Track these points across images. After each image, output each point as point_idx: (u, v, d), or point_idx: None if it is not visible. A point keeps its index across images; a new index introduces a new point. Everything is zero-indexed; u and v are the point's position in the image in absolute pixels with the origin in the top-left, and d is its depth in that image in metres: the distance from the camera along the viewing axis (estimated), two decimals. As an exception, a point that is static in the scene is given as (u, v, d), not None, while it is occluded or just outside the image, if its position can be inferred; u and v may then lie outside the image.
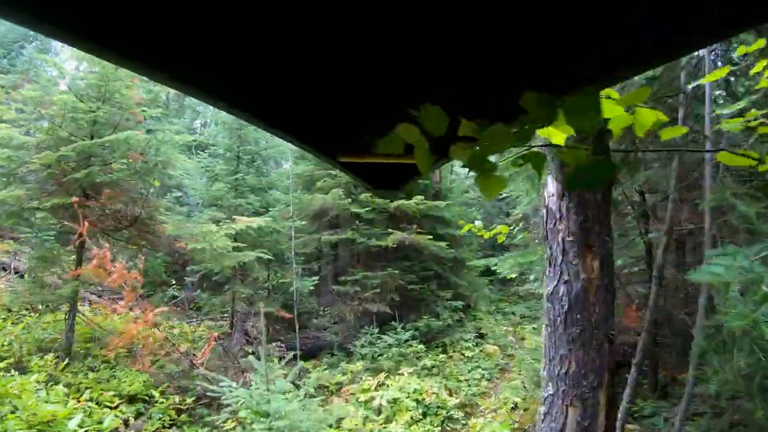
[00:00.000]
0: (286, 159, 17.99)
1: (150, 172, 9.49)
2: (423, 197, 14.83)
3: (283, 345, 13.48)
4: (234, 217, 11.73)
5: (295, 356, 12.59)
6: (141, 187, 9.68)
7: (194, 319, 15.59)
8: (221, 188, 14.54)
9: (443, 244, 14.93)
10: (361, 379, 11.17)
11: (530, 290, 24.04)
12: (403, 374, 11.77)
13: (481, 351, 14.81)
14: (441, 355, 13.88)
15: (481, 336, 16.46)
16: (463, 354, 14.12)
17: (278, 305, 13.98)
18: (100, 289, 16.86)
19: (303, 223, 14.81)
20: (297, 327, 12.14)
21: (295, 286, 12.70)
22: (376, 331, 12.96)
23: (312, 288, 14.83)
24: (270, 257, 13.57)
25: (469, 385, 12.26)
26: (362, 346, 12.43)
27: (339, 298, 15.17)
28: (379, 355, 12.00)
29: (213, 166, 14.93)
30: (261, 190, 15.90)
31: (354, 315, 14.30)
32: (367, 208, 14.46)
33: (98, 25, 0.54)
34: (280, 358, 12.21)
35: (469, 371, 13.27)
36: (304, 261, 17.69)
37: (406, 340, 13.11)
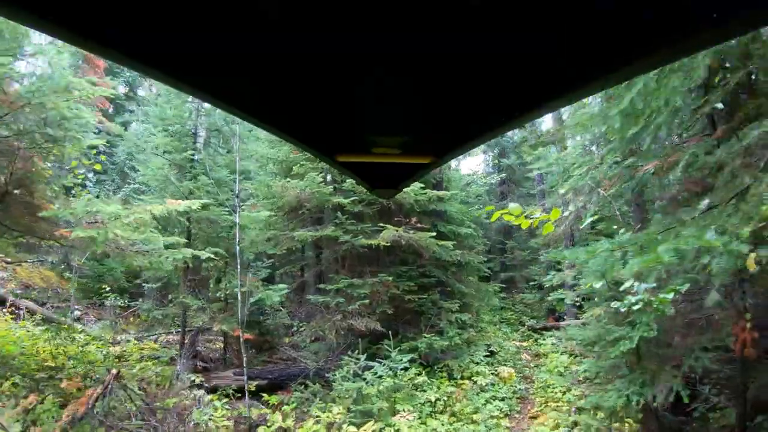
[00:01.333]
0: (259, 137, 14.88)
1: (28, 133, 6.38)
2: (423, 186, 11.97)
3: (242, 373, 10.54)
4: (166, 200, 8.58)
5: (258, 390, 9.73)
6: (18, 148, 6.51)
7: (155, 335, 12.81)
8: (164, 167, 11.56)
9: (449, 243, 11.99)
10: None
11: (528, 299, 22.10)
12: (400, 420, 8.80)
13: (494, 374, 11.96)
14: (447, 384, 11.00)
15: (491, 353, 13.67)
16: (474, 381, 11.24)
17: (236, 321, 11.02)
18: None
19: (270, 214, 11.75)
20: (243, 351, 9.14)
21: (239, 295, 9.66)
22: (363, 357, 9.70)
23: (281, 299, 11.82)
24: (224, 257, 10.61)
25: (487, 428, 9.31)
26: (344, 377, 9.31)
27: (319, 312, 12.21)
28: (366, 393, 8.86)
29: (162, 141, 11.70)
30: (225, 170, 12.77)
31: (336, 333, 11.35)
32: (353, 198, 11.50)
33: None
34: (227, 395, 9.35)
35: (484, 404, 10.39)
36: (277, 265, 14.77)
37: (404, 369, 10.07)
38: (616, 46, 0.58)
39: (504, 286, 22.55)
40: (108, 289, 14.57)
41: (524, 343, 16.06)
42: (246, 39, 0.59)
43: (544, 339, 16.52)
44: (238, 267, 9.30)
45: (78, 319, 14.11)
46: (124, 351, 11.22)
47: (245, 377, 8.88)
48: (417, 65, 0.68)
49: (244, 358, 8.88)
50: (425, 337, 11.25)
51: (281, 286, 11.52)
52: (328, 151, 1.16)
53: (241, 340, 9.10)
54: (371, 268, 12.27)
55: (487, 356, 13.35)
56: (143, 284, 14.93)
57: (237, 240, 9.53)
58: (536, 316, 20.17)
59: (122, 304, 14.95)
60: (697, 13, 0.48)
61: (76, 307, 14.89)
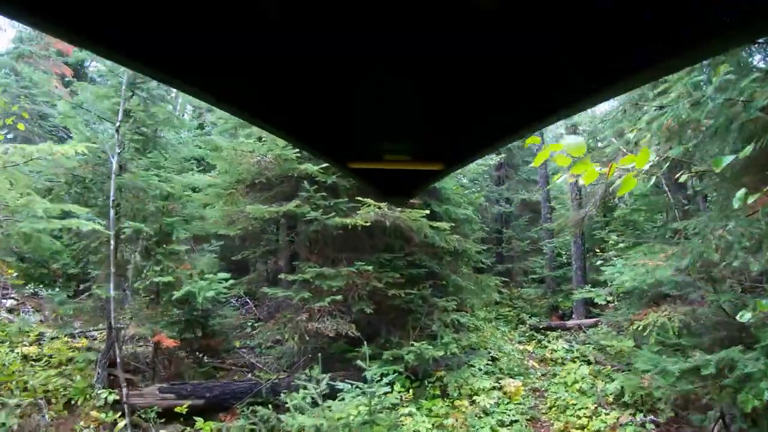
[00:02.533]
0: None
1: None
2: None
3: (172, 389, 8.09)
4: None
5: (193, 412, 7.35)
6: None
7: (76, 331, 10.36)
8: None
9: (445, 225, 9.52)
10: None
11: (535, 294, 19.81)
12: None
13: (497, 388, 9.59)
14: (440, 404, 8.62)
15: (492, 360, 11.33)
16: (474, 401, 8.85)
17: (169, 320, 8.57)
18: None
19: (222, 183, 9.30)
20: (118, 361, 6.76)
21: (111, 285, 7.24)
22: (326, 377, 7.04)
23: (225, 293, 9.33)
24: (150, 235, 8.11)
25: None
26: (297, 407, 6.71)
27: (284, 309, 9.76)
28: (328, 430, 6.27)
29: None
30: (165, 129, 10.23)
31: (300, 338, 8.89)
32: (324, 165, 9.01)
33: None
34: (147, 419, 7.00)
35: (488, 433, 8.03)
36: (228, 248, 12.31)
37: (385, 393, 7.58)
38: (617, 46, 0.57)
39: (501, 279, 20.09)
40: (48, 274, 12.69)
41: (527, 346, 13.72)
42: (247, 39, 0.59)
43: (548, 341, 14.23)
44: (112, 244, 6.81)
45: (11, 311, 11.95)
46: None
47: (123, 391, 6.44)
48: (420, 67, 0.67)
49: (118, 364, 6.42)
50: (413, 345, 8.81)
51: (222, 276, 8.98)
52: (341, 158, 1.18)
53: (115, 347, 6.62)
54: (348, 254, 9.82)
55: (488, 364, 11.03)
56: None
57: (111, 201, 7.09)
58: (537, 313, 17.92)
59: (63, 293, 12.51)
60: (697, 14, 0.48)
61: (12, 295, 12.65)
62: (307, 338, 8.81)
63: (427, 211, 9.12)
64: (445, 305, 9.74)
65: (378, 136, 1.03)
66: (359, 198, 8.83)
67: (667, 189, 8.32)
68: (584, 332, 14.35)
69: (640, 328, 6.89)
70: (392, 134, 1.02)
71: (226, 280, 8.94)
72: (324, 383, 6.62)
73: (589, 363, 11.40)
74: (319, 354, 7.46)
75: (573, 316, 16.18)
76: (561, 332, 15.15)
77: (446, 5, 0.49)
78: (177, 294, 7.93)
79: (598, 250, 16.82)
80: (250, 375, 9.87)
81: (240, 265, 12.61)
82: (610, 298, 8.23)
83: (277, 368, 9.97)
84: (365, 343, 8.07)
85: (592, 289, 9.09)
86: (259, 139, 9.29)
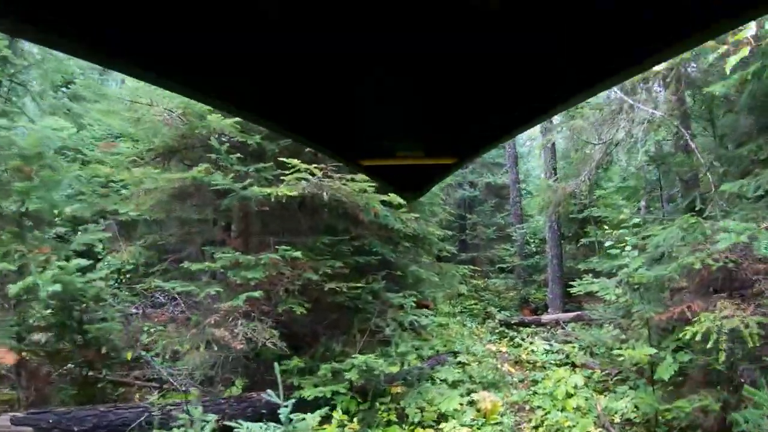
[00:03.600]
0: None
1: None
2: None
3: (25, 418, 5.79)
4: None
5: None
6: None
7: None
8: None
9: (400, 201, 7.35)
10: None
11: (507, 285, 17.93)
12: None
13: (470, 404, 7.52)
14: (392, 434, 6.53)
15: (460, 366, 9.34)
16: (440, 429, 6.75)
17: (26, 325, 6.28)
18: None
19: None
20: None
21: None
22: (212, 416, 4.84)
23: (109, 290, 7.02)
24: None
25: None
26: None
27: (181, 311, 7.50)
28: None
29: None
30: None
31: (207, 347, 6.64)
32: (239, 120, 6.74)
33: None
34: None
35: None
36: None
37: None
38: (617, 46, 0.59)
39: (466, 269, 18.22)
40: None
41: (500, 346, 11.73)
42: (247, 39, 0.58)
43: (523, 339, 12.28)
44: None
45: None
46: None
47: None
48: (425, 66, 0.68)
49: None
50: (358, 357, 6.63)
51: (76, 263, 6.54)
52: (354, 157, 1.19)
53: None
54: (278, 238, 7.61)
55: (455, 370, 9.00)
56: None
57: None
58: (507, 306, 16.04)
59: None
60: (696, 12, 0.49)
61: None
62: (215, 348, 6.56)
63: (375, 184, 6.97)
64: (402, 302, 7.55)
65: (389, 133, 1.03)
66: (283, 160, 6.58)
67: (695, 147, 6.40)
68: (563, 328, 12.46)
69: (691, 336, 4.87)
70: (403, 132, 1.02)
71: (85, 269, 6.56)
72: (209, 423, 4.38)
73: (574, 366, 9.47)
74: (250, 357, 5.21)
75: (548, 309, 14.27)
76: (535, 328, 13.25)
77: (447, 6, 0.50)
78: (13, 289, 5.57)
79: (597, 230, 14.91)
80: (155, 395, 7.65)
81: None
82: (618, 291, 6.19)
83: (190, 383, 7.71)
84: (302, 353, 5.90)
85: (595, 281, 7.02)
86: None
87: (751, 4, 0.46)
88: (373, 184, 6.90)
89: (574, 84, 0.70)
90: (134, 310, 9.75)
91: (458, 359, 9.72)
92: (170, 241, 9.13)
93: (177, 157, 7.98)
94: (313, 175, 6.63)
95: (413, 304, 7.62)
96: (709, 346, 4.71)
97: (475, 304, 16.47)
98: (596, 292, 7.00)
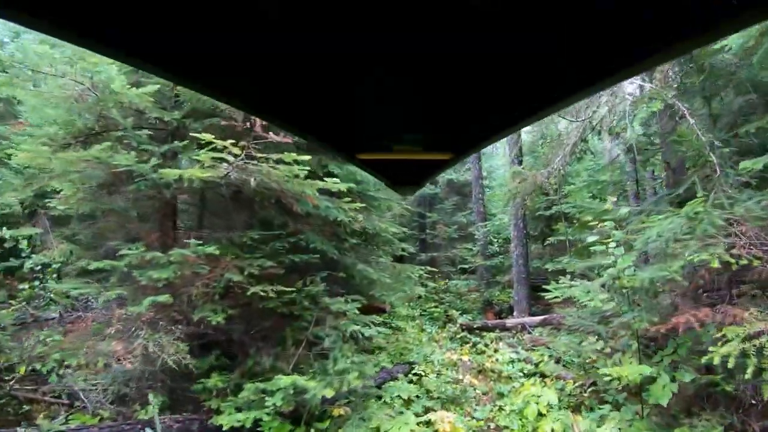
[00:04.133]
0: None
1: None
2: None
3: None
4: None
5: None
6: None
7: None
8: None
9: (341, 187, 6.14)
10: None
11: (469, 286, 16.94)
12: None
13: (425, 424, 6.45)
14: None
15: (417, 378, 8.30)
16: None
17: None
18: None
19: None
20: None
21: None
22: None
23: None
24: None
25: None
26: None
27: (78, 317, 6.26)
28: None
29: None
30: None
31: (101, 363, 5.41)
32: (151, 91, 5.52)
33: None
34: None
35: None
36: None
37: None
38: (618, 46, 0.58)
39: (422, 270, 17.16)
40: None
41: (461, 354, 10.69)
42: (247, 39, 0.59)
43: (486, 345, 11.29)
44: None
45: None
46: None
47: None
48: (424, 66, 0.68)
49: None
50: (287, 377, 5.46)
51: None
52: (349, 149, 1.19)
53: None
54: (201, 232, 6.42)
55: (411, 381, 7.95)
56: None
57: None
58: (469, 309, 15.07)
59: None
60: (697, 13, 0.48)
61: None
62: (113, 364, 5.33)
63: (308, 167, 5.84)
64: (344, 308, 6.40)
65: (386, 128, 1.03)
66: (197, 135, 5.38)
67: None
68: (529, 333, 11.51)
69: (719, 359, 3.81)
70: (400, 127, 1.03)
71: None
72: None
73: (543, 376, 8.49)
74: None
75: (513, 313, 13.30)
76: (500, 333, 12.25)
77: (447, 5, 0.50)
78: None
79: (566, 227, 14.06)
80: (62, 415, 6.38)
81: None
82: (605, 296, 5.12)
83: (103, 401, 6.45)
84: (227, 369, 4.71)
85: (574, 284, 5.97)
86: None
87: (750, 4, 0.44)
88: (306, 168, 5.77)
89: (573, 83, 0.68)
90: (53, 316, 8.45)
91: (414, 370, 8.64)
92: (89, 236, 7.81)
93: (99, 139, 6.67)
94: (235, 156, 5.46)
95: (357, 311, 6.46)
96: (730, 365, 3.69)
97: (436, 306, 15.54)
98: (575, 298, 5.95)
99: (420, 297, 15.86)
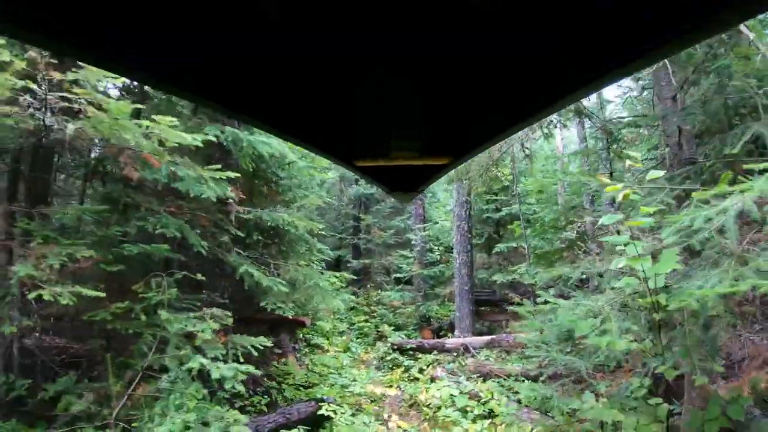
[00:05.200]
0: None
1: None
2: None
3: None
4: None
5: None
6: None
7: None
8: None
9: (188, 141, 4.00)
10: None
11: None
12: None
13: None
14: None
15: (328, 422, 6.23)
16: None
17: None
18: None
19: None
20: None
21: None
22: None
23: None
24: None
25: None
26: None
27: None
28: None
29: None
30: None
31: None
32: None
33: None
34: None
35: None
36: None
37: None
38: (617, 45, 0.58)
39: (357, 278, 15.61)
40: None
41: (391, 383, 8.64)
42: (249, 39, 0.59)
43: (422, 371, 9.40)
44: None
45: None
46: None
47: None
48: (424, 67, 0.67)
49: None
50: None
51: None
52: (347, 157, 1.21)
53: None
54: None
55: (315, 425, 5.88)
56: None
57: None
58: (403, 325, 13.08)
59: None
60: (696, 12, 0.48)
61: None
62: None
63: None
64: (193, 329, 4.16)
65: (384, 133, 1.02)
66: None
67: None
68: (473, 356, 9.52)
69: None
70: (399, 132, 1.02)
71: None
72: None
73: (492, 416, 6.51)
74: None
75: (454, 331, 11.29)
76: (438, 355, 10.25)
77: (446, 6, 0.49)
78: None
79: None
80: None
81: None
82: (612, 326, 3.15)
83: None
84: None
85: (561, 301, 3.94)
86: None
87: (745, 2, 0.45)
88: (142, 105, 3.60)
89: (573, 83, 0.67)
90: None
91: (324, 409, 6.48)
92: None
93: None
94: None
95: (209, 335, 4.21)
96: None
97: (366, 320, 13.60)
98: (554, 323, 3.90)
99: (353, 308, 14.07)
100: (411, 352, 10.52)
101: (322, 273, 8.55)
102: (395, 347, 10.78)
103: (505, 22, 0.51)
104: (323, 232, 10.51)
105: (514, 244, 11.44)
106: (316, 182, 9.66)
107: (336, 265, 17.96)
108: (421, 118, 0.95)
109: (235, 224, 5.45)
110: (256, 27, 0.53)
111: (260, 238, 6.36)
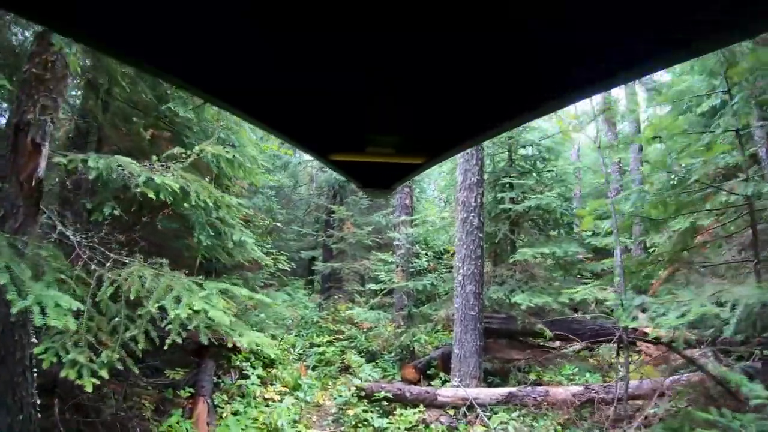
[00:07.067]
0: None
1: None
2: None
3: None
4: None
5: None
6: None
7: None
8: None
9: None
10: None
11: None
12: None
13: None
14: None
15: None
16: None
17: None
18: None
19: None
20: None
21: None
22: None
23: None
24: None
25: None
26: None
27: None
28: None
29: None
30: None
31: None
32: None
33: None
34: None
35: None
36: None
37: None
38: (616, 49, 0.57)
39: (325, 285, 13.94)
40: None
41: None
42: (219, 32, 0.58)
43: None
44: None
45: None
46: None
47: None
48: (399, 65, 0.66)
49: None
50: None
51: None
52: (321, 150, 1.18)
53: None
54: None
55: None
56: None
57: None
58: (379, 353, 9.98)
59: None
60: (700, 20, 0.48)
61: None
62: None
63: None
64: None
65: (362, 131, 1.00)
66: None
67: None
68: (484, 420, 6.13)
69: None
70: (377, 130, 1.01)
71: None
72: None
73: None
74: None
75: (453, 374, 7.77)
76: (425, 412, 6.86)
77: (430, 6, 0.50)
78: None
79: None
80: None
81: None
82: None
83: None
84: None
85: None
86: None
87: (727, 25, 0.45)
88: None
89: (552, 88, 0.67)
90: None
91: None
92: None
93: None
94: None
95: None
96: None
97: (331, 342, 10.50)
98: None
99: (317, 322, 11.82)
100: (386, 403, 7.12)
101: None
102: (364, 393, 7.35)
103: (485, 22, 0.49)
104: (279, 224, 7.37)
105: (547, 250, 7.84)
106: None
107: (310, 270, 15.03)
108: (398, 116, 0.89)
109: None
110: (227, 21, 0.51)
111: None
